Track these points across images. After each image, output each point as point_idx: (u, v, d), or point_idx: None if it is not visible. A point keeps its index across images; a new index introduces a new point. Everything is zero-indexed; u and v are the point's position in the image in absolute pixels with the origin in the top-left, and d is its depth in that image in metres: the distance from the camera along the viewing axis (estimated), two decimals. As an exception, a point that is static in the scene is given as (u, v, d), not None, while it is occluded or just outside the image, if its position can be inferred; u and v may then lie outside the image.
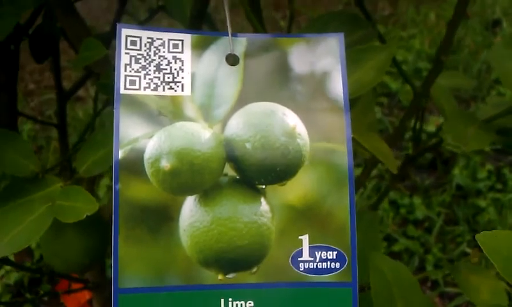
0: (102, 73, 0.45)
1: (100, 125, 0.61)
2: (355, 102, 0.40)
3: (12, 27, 0.42)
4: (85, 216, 0.34)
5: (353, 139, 0.37)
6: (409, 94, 0.56)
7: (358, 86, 0.38)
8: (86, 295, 0.72)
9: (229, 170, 0.26)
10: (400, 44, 2.53)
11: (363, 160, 0.61)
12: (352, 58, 0.40)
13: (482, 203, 1.61)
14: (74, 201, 0.36)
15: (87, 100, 2.05)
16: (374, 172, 1.66)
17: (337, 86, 0.28)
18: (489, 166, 1.74)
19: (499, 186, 1.69)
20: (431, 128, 1.73)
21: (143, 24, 0.59)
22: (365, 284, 0.35)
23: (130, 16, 0.66)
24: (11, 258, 1.38)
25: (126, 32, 0.26)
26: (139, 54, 0.26)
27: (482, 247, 0.29)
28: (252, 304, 0.25)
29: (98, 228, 0.41)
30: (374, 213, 0.42)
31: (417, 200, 1.61)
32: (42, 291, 1.37)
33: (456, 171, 1.71)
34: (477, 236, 0.30)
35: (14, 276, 1.36)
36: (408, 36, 2.62)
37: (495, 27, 2.71)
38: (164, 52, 0.26)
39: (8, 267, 1.38)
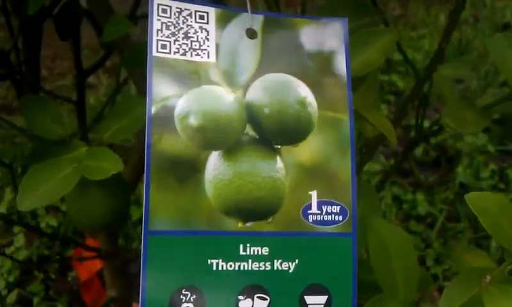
0: (125, 48, 0.48)
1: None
2: (361, 80, 0.44)
3: (41, 4, 0.45)
4: (111, 174, 0.37)
5: (358, 112, 0.40)
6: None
7: (364, 66, 0.41)
8: (97, 264, 0.75)
9: (249, 130, 0.29)
10: (409, 44, 2.55)
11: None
12: (359, 40, 0.43)
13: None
14: (101, 161, 0.39)
15: (98, 88, 2.09)
16: (379, 167, 1.69)
17: (341, 64, 0.31)
18: (492, 166, 1.76)
19: (502, 186, 1.71)
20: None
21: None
22: (365, 249, 0.38)
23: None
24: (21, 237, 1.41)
25: (158, 1, 0.29)
26: (169, 22, 0.29)
27: (471, 207, 0.32)
28: (267, 250, 0.28)
29: (121, 187, 0.45)
30: (369, 187, 0.45)
31: (420, 196, 1.63)
32: (50, 269, 1.41)
33: (460, 169, 1.74)
34: (466, 196, 0.33)
35: (23, 253, 1.39)
36: (418, 36, 2.64)
37: (504, 30, 2.73)
38: (191, 21, 0.29)
39: (17, 244, 1.43)
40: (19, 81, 0.57)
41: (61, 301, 1.34)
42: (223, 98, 0.28)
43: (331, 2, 0.45)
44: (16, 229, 1.48)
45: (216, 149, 0.28)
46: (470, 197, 0.33)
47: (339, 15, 0.38)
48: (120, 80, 0.59)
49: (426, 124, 0.75)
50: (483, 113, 0.51)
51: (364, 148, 0.65)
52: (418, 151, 1.83)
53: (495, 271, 0.32)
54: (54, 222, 1.49)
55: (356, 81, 0.43)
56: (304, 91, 0.30)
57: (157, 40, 0.29)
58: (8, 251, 1.41)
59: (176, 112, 0.28)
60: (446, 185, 1.69)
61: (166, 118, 0.27)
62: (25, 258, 1.39)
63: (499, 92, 0.56)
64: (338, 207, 0.29)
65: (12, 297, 1.31)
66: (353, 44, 0.43)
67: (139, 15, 0.63)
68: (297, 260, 0.28)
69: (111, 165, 0.38)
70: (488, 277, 0.32)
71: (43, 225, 1.48)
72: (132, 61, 0.46)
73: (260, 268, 0.28)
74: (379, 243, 0.36)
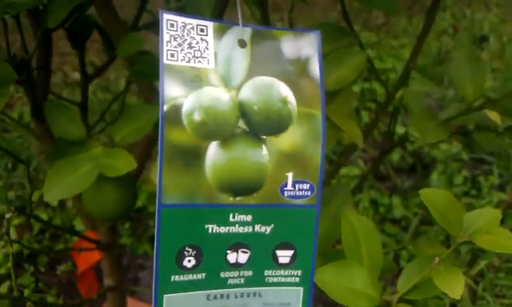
0: (136, 61, 0.54)
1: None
2: (336, 93, 0.51)
3: (63, 18, 0.51)
4: (125, 172, 0.44)
5: (330, 119, 0.47)
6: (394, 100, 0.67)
7: (339, 81, 0.49)
8: (96, 255, 0.80)
9: (241, 124, 0.35)
10: (391, 53, 2.64)
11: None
12: (335, 59, 0.51)
13: (463, 210, 1.71)
14: (116, 160, 0.45)
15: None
16: (357, 172, 1.76)
17: (315, 69, 0.37)
18: (465, 173, 1.83)
19: (474, 192, 1.78)
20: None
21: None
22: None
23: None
24: (13, 232, 1.46)
25: (167, 17, 0.35)
26: (176, 34, 0.35)
27: (424, 201, 0.39)
28: (251, 218, 0.35)
29: (130, 183, 0.51)
30: (345, 187, 0.52)
31: (396, 200, 1.70)
32: (40, 263, 1.45)
33: (434, 175, 1.81)
34: (420, 191, 0.40)
35: (14, 247, 1.44)
36: (399, 45, 2.72)
37: (482, 42, 2.82)
38: (194, 34, 0.35)
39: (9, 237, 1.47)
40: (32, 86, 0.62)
41: (50, 293, 1.39)
42: (220, 98, 0.35)
43: (315, 26, 0.52)
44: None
45: (214, 139, 0.35)
46: (423, 192, 0.40)
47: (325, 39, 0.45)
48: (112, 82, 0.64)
49: (402, 131, 0.81)
50: (443, 124, 0.58)
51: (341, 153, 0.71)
52: (396, 157, 1.90)
53: (443, 254, 0.39)
54: (44, 216, 1.54)
55: (332, 94, 0.50)
56: (285, 91, 0.36)
57: (167, 50, 0.35)
58: (-1, 244, 1.45)
59: (183, 109, 0.34)
60: (421, 189, 1.76)
61: (175, 114, 0.34)
62: (16, 251, 1.43)
63: (459, 106, 0.63)
64: (308, 185, 0.36)
65: (3, 289, 1.35)
66: (330, 62, 0.50)
67: (140, 26, 0.69)
68: (272, 225, 0.36)
69: (125, 164, 0.45)
70: (437, 259, 0.39)
71: (33, 219, 1.53)
72: (142, 72, 0.53)
73: (244, 231, 0.36)
74: (349, 229, 0.43)
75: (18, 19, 0.64)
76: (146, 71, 0.53)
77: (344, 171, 1.77)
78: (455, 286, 0.37)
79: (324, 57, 0.42)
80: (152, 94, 0.66)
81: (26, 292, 1.37)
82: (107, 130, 0.60)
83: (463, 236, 0.39)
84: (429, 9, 0.58)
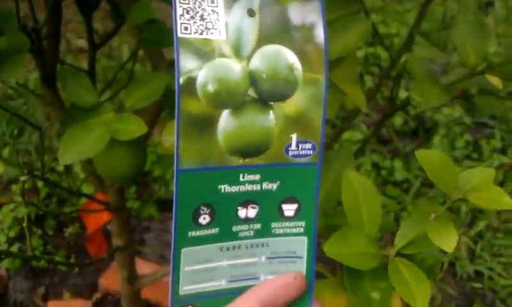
0: (144, 29, 0.55)
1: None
2: (341, 59, 0.52)
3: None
4: (137, 136, 0.46)
5: (335, 84, 0.49)
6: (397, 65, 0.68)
7: (343, 48, 0.50)
8: (104, 217, 0.83)
9: (251, 92, 0.37)
10: (395, 17, 2.63)
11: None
12: (340, 26, 0.52)
13: (457, 169, 1.74)
14: (128, 124, 0.47)
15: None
16: (359, 136, 1.78)
17: (320, 34, 0.38)
18: (467, 137, 1.85)
19: (475, 155, 1.81)
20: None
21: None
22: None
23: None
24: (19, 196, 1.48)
25: None
26: (188, 7, 0.36)
27: (419, 161, 0.41)
28: (259, 177, 0.38)
29: (141, 147, 0.53)
30: (348, 150, 0.54)
31: (398, 163, 1.72)
32: (48, 226, 1.49)
33: (437, 139, 1.83)
34: (416, 152, 0.41)
35: (23, 210, 1.48)
36: (404, 10, 2.71)
37: (488, 7, 2.81)
38: (205, 6, 0.37)
39: (18, 200, 1.50)
40: (42, 54, 0.64)
41: (59, 255, 1.43)
42: (232, 68, 0.36)
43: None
44: (15, 187, 1.56)
45: (226, 108, 0.37)
46: (418, 153, 0.42)
47: (327, 5, 0.46)
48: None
49: (405, 95, 0.83)
50: (445, 89, 0.60)
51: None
52: (398, 121, 1.92)
53: (438, 211, 0.41)
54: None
55: (337, 60, 0.51)
56: (292, 58, 0.37)
57: (181, 23, 0.36)
58: (8, 208, 1.48)
59: (198, 81, 0.36)
60: (423, 153, 1.78)
61: (190, 86, 0.36)
62: (24, 215, 1.46)
63: (461, 71, 0.65)
64: (310, 145, 0.39)
65: (13, 250, 1.39)
66: (335, 29, 0.52)
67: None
68: (278, 182, 0.38)
69: (136, 128, 0.47)
70: (433, 215, 0.41)
71: (40, 184, 1.56)
72: (151, 40, 0.54)
73: (253, 189, 0.38)
74: (350, 188, 0.45)
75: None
76: (155, 38, 0.55)
77: (346, 135, 1.79)
78: (448, 240, 0.39)
79: (330, 25, 0.43)
80: (159, 60, 0.67)
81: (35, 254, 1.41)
82: (116, 97, 0.62)
83: (458, 194, 0.41)
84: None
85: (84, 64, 1.91)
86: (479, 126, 1.94)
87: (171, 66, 0.63)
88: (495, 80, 0.58)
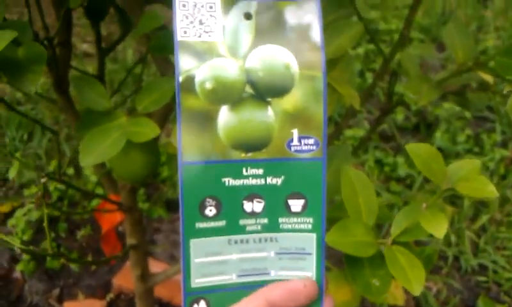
0: (153, 36, 0.58)
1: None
2: (335, 61, 0.55)
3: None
4: (151, 138, 0.49)
5: (330, 84, 0.52)
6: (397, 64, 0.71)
7: (337, 50, 0.54)
8: (117, 217, 0.86)
9: (248, 89, 0.40)
10: (395, 13, 2.65)
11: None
12: (335, 29, 0.55)
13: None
14: (142, 127, 0.50)
15: (95, 56, 2.19)
16: (362, 133, 1.81)
17: (317, 33, 0.41)
18: (468, 131, 1.87)
19: (477, 149, 1.83)
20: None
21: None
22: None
23: None
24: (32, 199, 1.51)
25: None
26: (188, 13, 0.39)
27: (409, 153, 0.44)
28: (262, 171, 0.40)
29: (154, 148, 0.56)
30: (346, 146, 0.57)
31: (400, 159, 1.74)
32: (60, 229, 1.52)
33: (438, 134, 1.85)
34: (407, 146, 0.44)
35: (36, 214, 1.51)
36: (403, 5, 2.74)
37: (486, 0, 2.83)
38: (203, 12, 0.39)
39: (30, 205, 1.54)
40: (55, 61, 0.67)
41: (71, 256, 1.46)
42: (228, 66, 0.39)
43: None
44: (27, 192, 1.60)
45: (224, 104, 0.39)
46: (409, 147, 0.45)
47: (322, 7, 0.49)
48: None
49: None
50: (436, 85, 0.63)
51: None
52: (400, 117, 1.95)
53: (430, 200, 0.44)
54: (61, 185, 1.61)
55: (332, 61, 0.55)
56: (287, 58, 0.40)
57: (180, 28, 0.39)
58: (21, 212, 1.52)
59: (196, 79, 0.39)
60: (425, 148, 1.81)
61: (189, 84, 0.38)
62: (36, 219, 1.50)
63: (453, 68, 0.68)
64: (313, 140, 0.41)
65: (27, 256, 1.43)
66: (329, 33, 0.55)
67: None
68: (283, 177, 0.41)
69: (150, 130, 0.50)
70: (424, 205, 0.44)
71: (51, 187, 1.59)
72: (159, 47, 0.57)
73: (257, 183, 0.40)
74: (348, 182, 0.48)
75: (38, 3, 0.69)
76: (163, 45, 0.58)
77: (349, 132, 1.81)
78: (439, 227, 0.42)
79: (324, 28, 0.46)
80: (166, 65, 0.71)
81: (48, 257, 1.44)
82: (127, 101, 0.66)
83: (447, 183, 0.44)
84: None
85: (90, 68, 1.95)
86: (479, 120, 1.96)
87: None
88: (486, 76, 0.61)
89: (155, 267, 1.31)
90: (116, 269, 1.39)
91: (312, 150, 0.41)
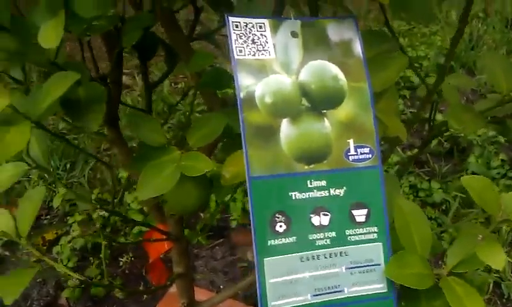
0: (203, 73, 0.60)
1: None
2: (382, 93, 0.57)
3: (136, 39, 0.58)
4: (204, 171, 0.50)
5: (376, 116, 0.53)
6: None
7: (383, 82, 0.55)
8: (164, 246, 0.88)
9: (304, 102, 0.42)
10: (422, 40, 2.66)
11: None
12: (380, 62, 0.57)
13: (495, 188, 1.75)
14: (196, 162, 0.52)
15: (134, 88, 2.25)
16: (397, 158, 1.81)
17: (358, 48, 0.43)
18: (502, 156, 1.86)
19: (511, 174, 1.82)
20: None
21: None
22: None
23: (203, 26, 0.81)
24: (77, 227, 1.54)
25: (232, 19, 0.42)
26: (240, 33, 0.42)
27: (464, 185, 0.45)
28: (325, 183, 0.42)
29: (206, 181, 0.58)
30: (394, 176, 0.58)
31: (435, 185, 1.73)
32: (102, 255, 1.55)
33: (472, 159, 1.84)
34: (462, 178, 0.45)
35: (80, 242, 1.54)
36: (430, 32, 2.74)
37: (513, 25, 2.81)
38: (254, 31, 0.42)
39: (74, 233, 1.57)
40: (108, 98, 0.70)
41: (115, 283, 1.48)
42: (284, 82, 0.42)
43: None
44: (71, 220, 1.63)
45: (284, 117, 0.41)
46: (464, 179, 0.46)
47: (365, 43, 0.50)
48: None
49: (440, 118, 0.86)
50: (479, 115, 0.64)
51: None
52: (433, 143, 1.94)
53: (485, 232, 0.45)
54: (104, 213, 1.64)
55: (379, 94, 0.56)
56: (335, 70, 0.43)
57: (236, 47, 0.42)
58: (66, 239, 1.55)
59: (256, 94, 0.41)
60: (459, 173, 1.79)
61: (250, 99, 0.41)
62: (81, 246, 1.53)
63: (495, 97, 0.69)
64: (368, 149, 0.43)
65: (73, 281, 1.45)
66: (375, 65, 0.57)
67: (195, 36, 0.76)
68: (344, 187, 0.42)
69: (203, 164, 0.51)
70: (480, 236, 0.45)
71: (94, 216, 1.62)
72: (209, 83, 0.59)
73: (322, 195, 0.42)
74: (401, 214, 0.49)
75: (89, 41, 0.72)
76: (212, 81, 0.60)
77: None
78: (497, 258, 0.43)
79: (370, 62, 0.48)
80: (213, 99, 0.73)
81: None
82: (177, 135, 0.67)
83: (502, 215, 0.45)
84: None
85: (128, 99, 1.99)
86: (513, 144, 1.95)
87: (223, 105, 0.69)
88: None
89: (197, 294, 1.32)
90: (159, 296, 1.41)
91: (368, 158, 0.42)
